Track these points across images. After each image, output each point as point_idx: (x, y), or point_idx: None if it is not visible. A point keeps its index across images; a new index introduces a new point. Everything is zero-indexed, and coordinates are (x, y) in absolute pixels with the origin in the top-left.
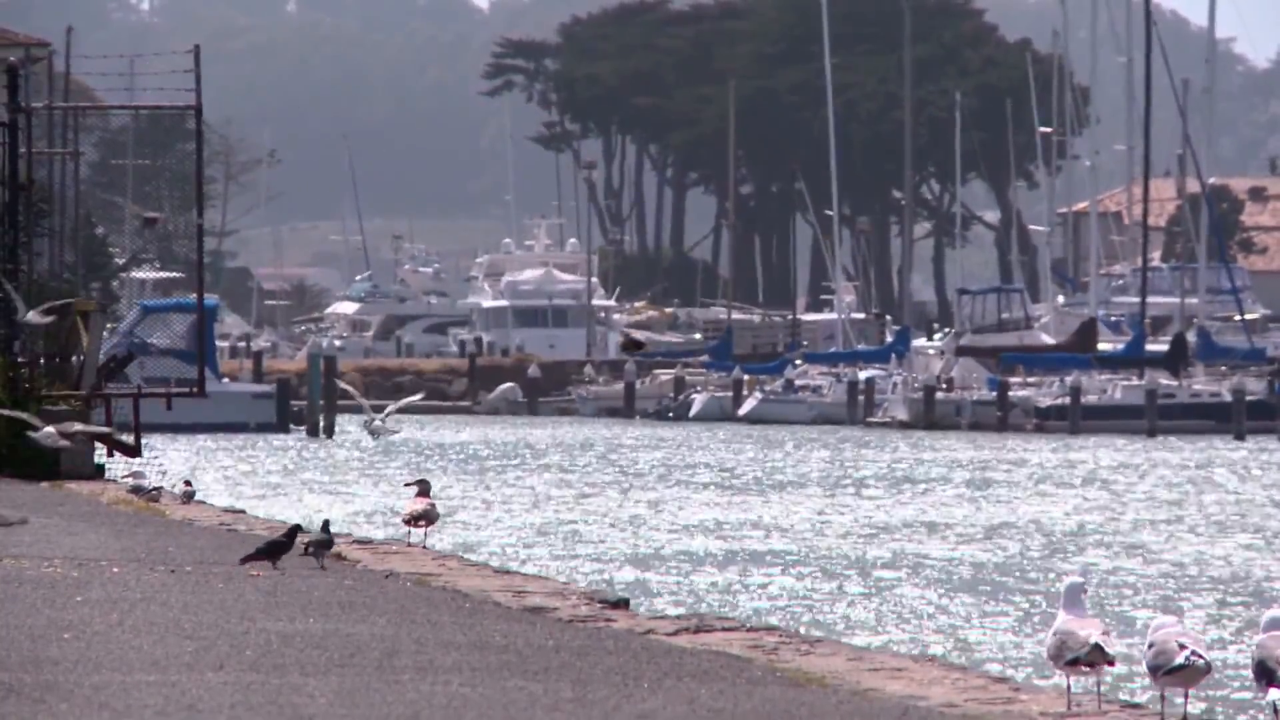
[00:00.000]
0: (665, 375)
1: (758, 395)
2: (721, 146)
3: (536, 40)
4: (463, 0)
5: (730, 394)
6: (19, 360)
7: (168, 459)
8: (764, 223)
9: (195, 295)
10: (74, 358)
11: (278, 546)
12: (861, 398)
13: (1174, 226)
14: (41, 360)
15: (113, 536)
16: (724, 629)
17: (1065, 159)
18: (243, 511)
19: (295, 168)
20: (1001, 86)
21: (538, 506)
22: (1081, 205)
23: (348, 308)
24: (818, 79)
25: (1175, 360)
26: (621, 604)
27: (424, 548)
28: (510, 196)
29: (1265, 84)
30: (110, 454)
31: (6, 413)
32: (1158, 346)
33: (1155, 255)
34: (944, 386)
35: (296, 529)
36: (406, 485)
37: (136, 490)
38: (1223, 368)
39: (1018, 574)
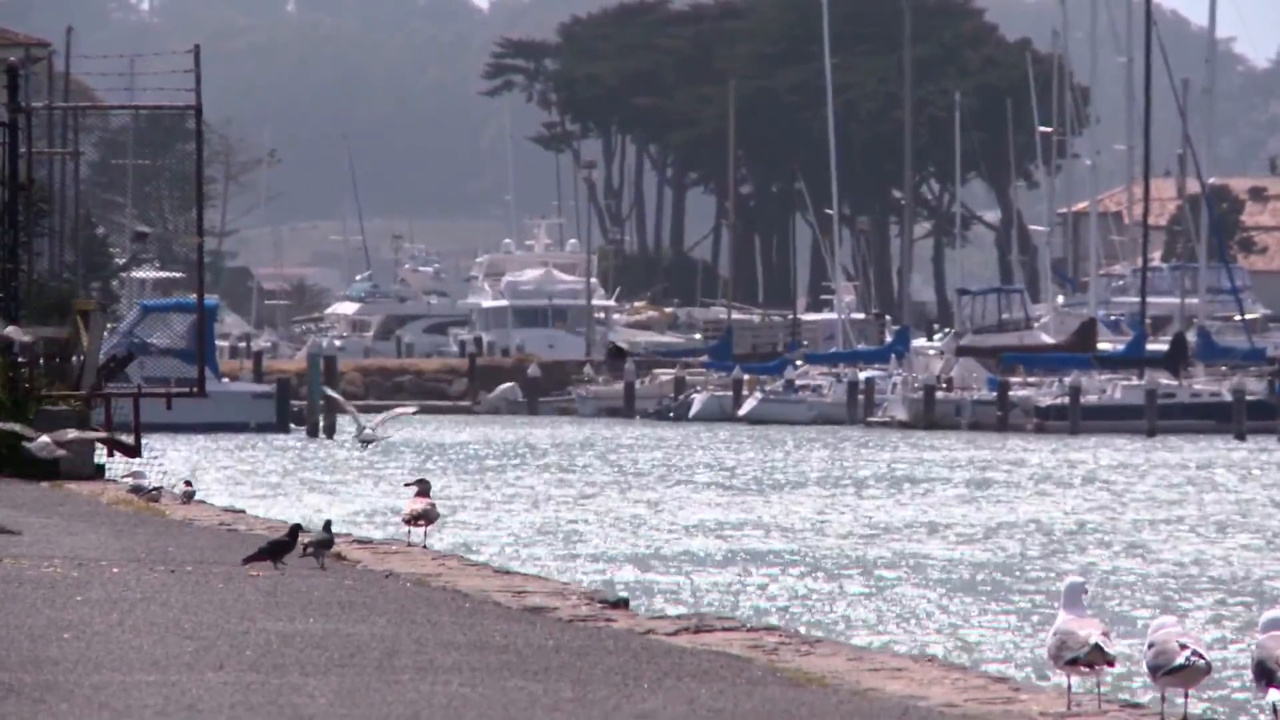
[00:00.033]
0: (665, 375)
1: (758, 395)
2: (721, 146)
3: (536, 40)
4: (463, 0)
5: (730, 394)
6: (19, 360)
7: (168, 459)
8: (764, 223)
9: (195, 295)
10: (74, 358)
11: (281, 546)
12: (861, 398)
13: (1174, 226)
14: (41, 360)
15: (113, 536)
16: (724, 629)
17: (1065, 159)
18: (243, 511)
19: (295, 168)
20: (1001, 86)
21: (538, 506)
22: (1081, 205)
23: (348, 308)
24: (818, 79)
25: (1175, 360)
26: (621, 604)
27: (424, 548)
28: (510, 196)
29: (1265, 84)
30: (110, 454)
31: (1, 426)
32: (1158, 346)
33: (1155, 255)
34: (944, 386)
35: (297, 528)
36: (406, 485)
37: (136, 490)
38: (1223, 368)
39: (1018, 574)
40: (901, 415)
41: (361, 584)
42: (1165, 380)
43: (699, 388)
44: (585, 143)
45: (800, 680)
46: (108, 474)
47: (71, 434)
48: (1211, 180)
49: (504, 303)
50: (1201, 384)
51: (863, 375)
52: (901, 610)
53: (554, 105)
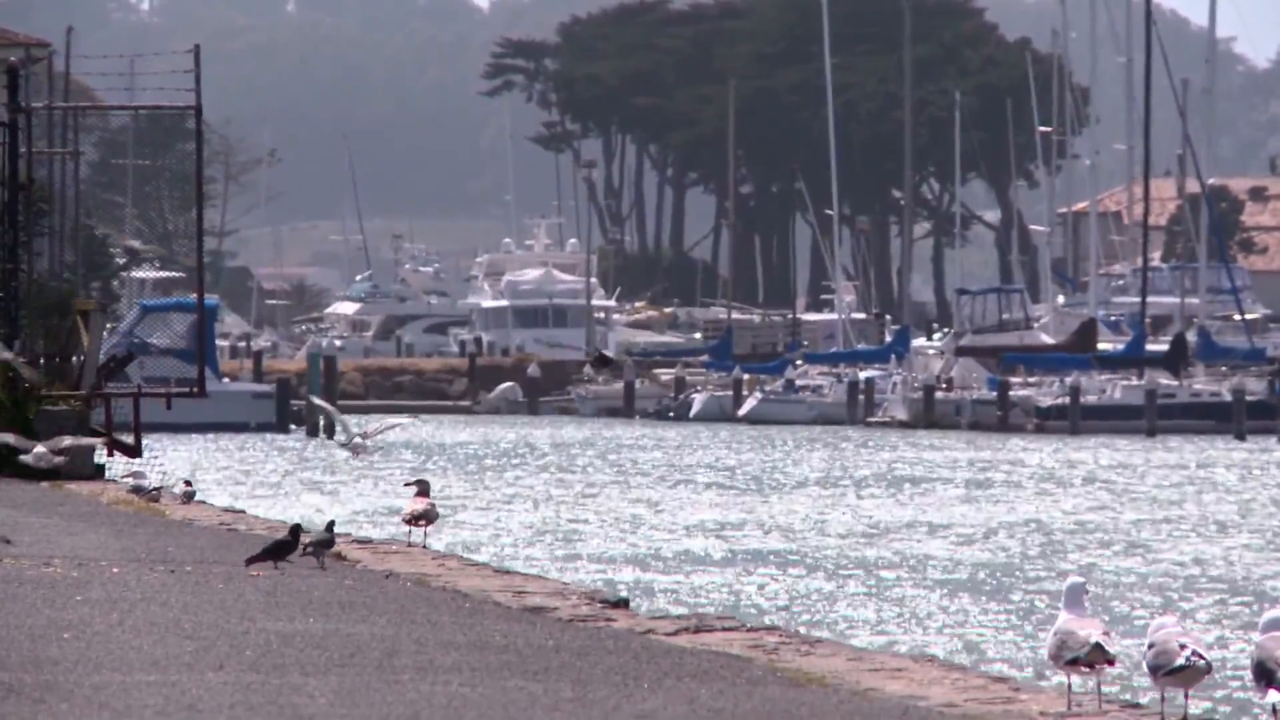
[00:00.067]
0: (665, 375)
1: (758, 395)
2: (721, 146)
3: (536, 40)
4: (463, 0)
5: (730, 394)
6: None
7: (168, 459)
8: (764, 223)
9: (195, 295)
10: (74, 358)
11: (283, 546)
12: (861, 398)
13: (1174, 226)
14: (41, 360)
15: (113, 536)
16: (724, 629)
17: (1065, 159)
18: (243, 511)
19: (295, 168)
20: (1001, 86)
21: (538, 506)
22: (1081, 205)
23: (348, 308)
24: (818, 79)
25: (1175, 360)
26: (621, 604)
27: (424, 548)
28: (510, 196)
29: (1265, 84)
30: (110, 454)
31: None
32: (1158, 346)
33: (1155, 255)
34: (944, 386)
35: (298, 528)
36: (406, 485)
37: (136, 490)
38: (1223, 368)
39: (1018, 574)
40: (901, 415)
41: (361, 584)
42: (1165, 380)
43: (699, 388)
44: (585, 143)
45: (800, 680)
46: (108, 474)
47: (67, 441)
48: (1211, 180)
49: (504, 303)
50: (1201, 384)
51: (863, 375)
52: (901, 610)
53: (554, 105)
